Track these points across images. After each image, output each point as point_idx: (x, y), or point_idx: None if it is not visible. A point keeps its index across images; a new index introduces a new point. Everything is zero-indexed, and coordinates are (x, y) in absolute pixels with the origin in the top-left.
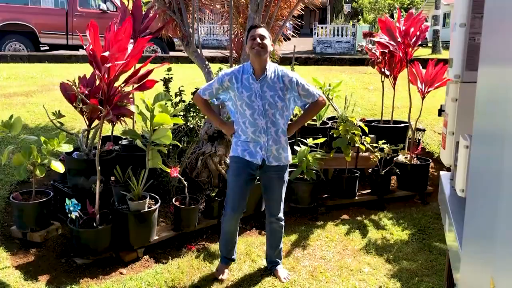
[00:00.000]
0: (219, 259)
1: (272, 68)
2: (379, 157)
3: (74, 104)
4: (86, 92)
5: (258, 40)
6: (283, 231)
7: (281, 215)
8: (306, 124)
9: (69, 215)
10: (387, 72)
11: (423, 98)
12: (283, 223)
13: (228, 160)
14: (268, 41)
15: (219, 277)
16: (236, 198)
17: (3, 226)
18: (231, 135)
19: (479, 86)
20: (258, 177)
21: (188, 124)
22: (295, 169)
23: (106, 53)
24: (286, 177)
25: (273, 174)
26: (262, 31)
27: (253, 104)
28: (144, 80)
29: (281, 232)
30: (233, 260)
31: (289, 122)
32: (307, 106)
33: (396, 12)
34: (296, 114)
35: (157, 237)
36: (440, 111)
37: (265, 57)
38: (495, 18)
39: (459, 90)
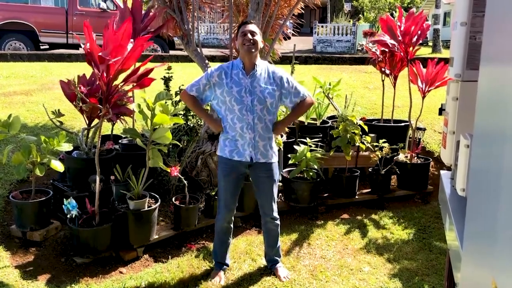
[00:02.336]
0: (214, 266)
1: (262, 64)
2: (379, 156)
3: (74, 103)
4: (86, 91)
5: (249, 36)
6: (280, 230)
7: (275, 214)
8: (306, 123)
9: (68, 214)
10: (388, 71)
11: (423, 97)
12: (278, 222)
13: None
14: (258, 37)
15: (215, 283)
16: (228, 197)
17: (3, 225)
18: (220, 132)
19: (480, 85)
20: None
21: (188, 123)
22: (294, 168)
23: (103, 53)
24: (276, 176)
25: (261, 173)
26: (253, 27)
27: (242, 99)
28: (143, 78)
29: (277, 231)
30: (227, 265)
31: (276, 121)
32: (295, 105)
33: (397, 11)
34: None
35: (157, 236)
36: (441, 110)
37: (256, 54)
38: (497, 17)
39: (460, 89)
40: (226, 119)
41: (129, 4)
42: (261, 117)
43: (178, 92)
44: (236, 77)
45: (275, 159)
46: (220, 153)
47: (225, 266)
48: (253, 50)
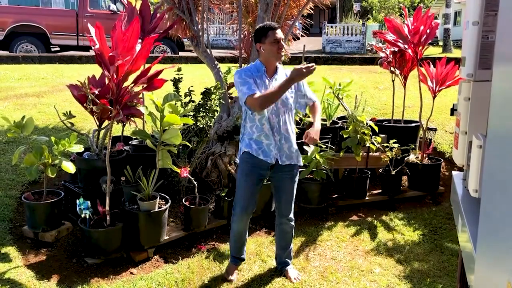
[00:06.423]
0: (229, 259)
1: (281, 68)
2: (390, 157)
3: (84, 105)
4: (96, 92)
5: (282, 43)
6: (293, 232)
7: (291, 215)
8: None
9: (80, 215)
10: (397, 71)
11: (434, 97)
12: (293, 223)
13: (238, 160)
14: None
15: (228, 278)
16: (246, 198)
17: (15, 226)
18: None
19: (494, 85)
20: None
21: (198, 124)
22: (304, 169)
23: (113, 53)
24: (297, 177)
25: (285, 174)
26: (281, 34)
27: None
28: (153, 80)
29: (291, 233)
30: (243, 259)
31: (308, 130)
32: (312, 109)
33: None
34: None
35: (167, 237)
36: (453, 110)
37: None
38: (511, 16)
39: (472, 89)
40: (254, 119)
41: (137, 6)
42: (286, 119)
43: (187, 94)
44: (260, 80)
45: (299, 161)
46: (246, 149)
47: (240, 261)
48: (283, 58)
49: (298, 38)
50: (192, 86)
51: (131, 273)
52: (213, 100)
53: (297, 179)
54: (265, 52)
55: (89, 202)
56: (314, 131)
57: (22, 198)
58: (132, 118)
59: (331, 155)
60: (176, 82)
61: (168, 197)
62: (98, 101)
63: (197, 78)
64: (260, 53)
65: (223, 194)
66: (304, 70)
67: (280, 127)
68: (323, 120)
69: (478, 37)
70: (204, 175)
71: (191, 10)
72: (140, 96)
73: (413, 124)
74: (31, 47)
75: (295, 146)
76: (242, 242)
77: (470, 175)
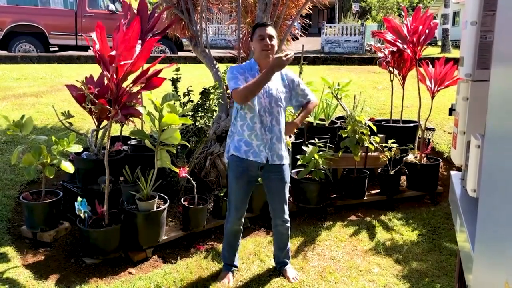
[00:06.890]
0: (222, 267)
1: None
2: (389, 157)
3: (83, 105)
4: (95, 92)
5: (268, 41)
6: (290, 232)
7: (286, 216)
8: (314, 124)
9: (79, 215)
10: (396, 71)
11: (432, 97)
12: (289, 224)
13: (226, 159)
14: (275, 41)
15: (223, 284)
16: (239, 200)
17: (14, 226)
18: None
19: (492, 85)
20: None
21: (196, 124)
22: (303, 169)
23: (113, 53)
24: (288, 177)
25: (275, 175)
26: (271, 30)
27: (260, 100)
28: (151, 79)
29: (287, 233)
30: (236, 266)
31: (287, 121)
32: (304, 106)
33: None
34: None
35: (166, 237)
36: (451, 110)
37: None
38: (509, 15)
39: (470, 89)
40: (245, 117)
41: (136, 5)
42: (278, 118)
43: (186, 94)
44: (253, 78)
45: (287, 161)
46: (234, 152)
47: (233, 268)
48: (270, 55)
49: (297, 38)
50: (191, 86)
51: (130, 273)
52: (211, 100)
53: (288, 179)
54: (254, 49)
55: (87, 202)
56: (289, 125)
57: (20, 198)
58: (130, 118)
59: (329, 155)
60: (174, 82)
61: (166, 197)
62: (97, 101)
63: (196, 78)
64: (253, 51)
65: (222, 194)
66: (284, 59)
67: (273, 126)
68: (321, 120)
69: (477, 37)
70: (203, 175)
71: (190, 9)
72: (139, 96)
73: (412, 124)
74: (30, 46)
75: (285, 147)
76: (235, 247)
77: (468, 175)
